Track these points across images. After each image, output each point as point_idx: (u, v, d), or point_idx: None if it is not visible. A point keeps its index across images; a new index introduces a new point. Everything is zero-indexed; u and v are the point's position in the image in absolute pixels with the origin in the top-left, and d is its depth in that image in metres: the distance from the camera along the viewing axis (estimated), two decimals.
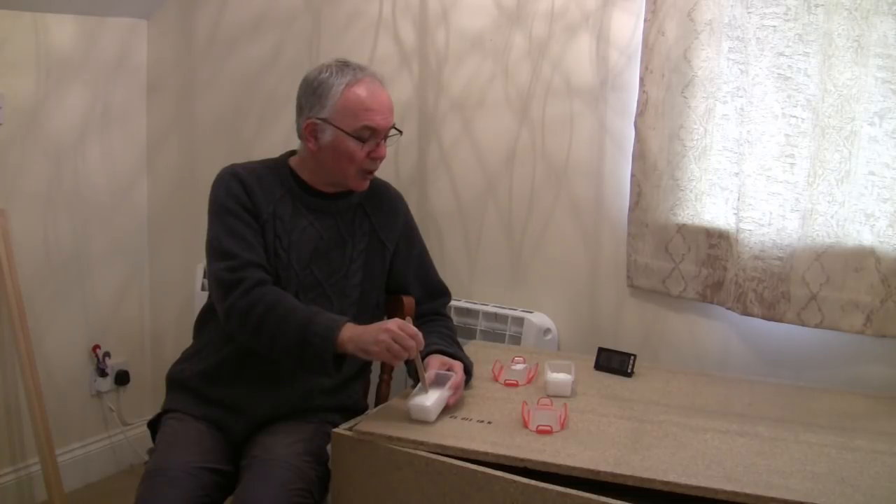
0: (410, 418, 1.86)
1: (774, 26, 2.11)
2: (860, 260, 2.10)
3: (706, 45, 2.24)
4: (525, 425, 1.84)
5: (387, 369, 2.28)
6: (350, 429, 1.85)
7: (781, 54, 2.12)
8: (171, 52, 3.11)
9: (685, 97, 2.28)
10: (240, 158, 2.25)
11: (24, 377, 2.72)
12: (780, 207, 2.17)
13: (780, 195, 2.17)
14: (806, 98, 2.11)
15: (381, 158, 2.10)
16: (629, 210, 2.40)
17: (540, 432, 1.81)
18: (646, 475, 1.63)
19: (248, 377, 2.07)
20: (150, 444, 2.11)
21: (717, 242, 2.30)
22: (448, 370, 1.98)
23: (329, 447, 1.89)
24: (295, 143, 2.18)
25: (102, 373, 3.09)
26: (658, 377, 2.19)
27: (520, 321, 2.52)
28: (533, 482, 1.63)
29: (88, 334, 3.07)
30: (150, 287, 3.27)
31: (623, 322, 2.49)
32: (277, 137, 2.85)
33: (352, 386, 2.18)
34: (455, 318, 2.51)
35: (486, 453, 1.72)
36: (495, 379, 2.13)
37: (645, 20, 2.31)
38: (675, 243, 2.35)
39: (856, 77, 2.04)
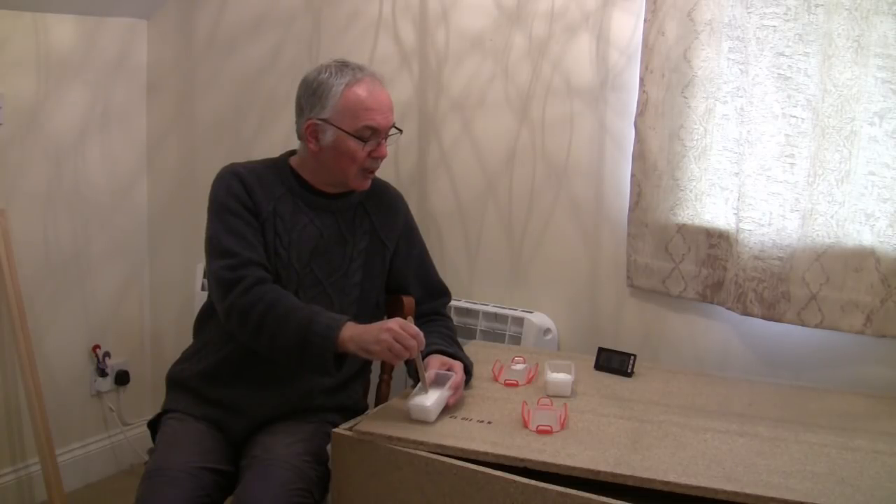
0: (410, 418, 1.86)
1: (774, 26, 2.11)
2: (860, 260, 2.10)
3: (706, 45, 2.24)
4: (525, 425, 1.84)
5: (387, 369, 2.28)
6: (350, 429, 1.85)
7: (781, 54, 2.12)
8: (171, 52, 3.11)
9: (685, 97, 2.28)
10: (240, 158, 2.25)
11: (24, 377, 2.72)
12: (780, 207, 2.17)
13: (780, 195, 2.17)
14: (806, 98, 2.11)
15: (382, 158, 2.10)
16: (629, 210, 2.40)
17: (540, 432, 1.81)
18: (646, 475, 1.63)
19: (249, 377, 2.07)
20: (150, 444, 2.11)
21: (717, 242, 2.30)
22: (448, 370, 1.98)
23: (329, 447, 1.89)
24: (295, 143, 2.18)
25: (102, 373, 3.09)
26: (658, 377, 2.19)
27: (520, 321, 2.52)
28: (533, 482, 1.63)
29: (88, 334, 3.07)
30: (150, 287, 3.27)
31: (623, 322, 2.49)
32: (277, 137, 2.85)
33: (352, 386, 2.18)
34: (455, 318, 2.51)
35: (486, 453, 1.72)
36: (495, 379, 2.13)
37: (645, 20, 2.31)
38: (675, 243, 2.35)
39: (856, 77, 2.04)
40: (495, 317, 2.57)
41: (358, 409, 2.16)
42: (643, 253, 2.39)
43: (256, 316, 1.94)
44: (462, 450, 1.73)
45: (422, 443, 1.76)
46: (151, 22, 3.13)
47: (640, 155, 2.35)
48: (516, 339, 2.52)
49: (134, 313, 3.23)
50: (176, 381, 2.17)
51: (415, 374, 1.97)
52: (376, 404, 2.23)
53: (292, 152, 2.19)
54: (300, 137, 2.11)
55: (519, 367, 2.17)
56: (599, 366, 2.24)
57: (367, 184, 2.13)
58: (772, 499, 1.56)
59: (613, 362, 2.23)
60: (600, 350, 2.26)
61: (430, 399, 1.88)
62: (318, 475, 1.95)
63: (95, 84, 2.98)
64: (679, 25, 2.25)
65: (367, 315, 2.12)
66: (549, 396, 2.00)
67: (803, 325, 2.17)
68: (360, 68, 2.08)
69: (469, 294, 2.67)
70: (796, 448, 1.77)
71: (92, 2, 2.88)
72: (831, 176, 2.10)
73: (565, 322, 2.56)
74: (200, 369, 2.13)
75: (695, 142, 2.28)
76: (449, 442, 1.76)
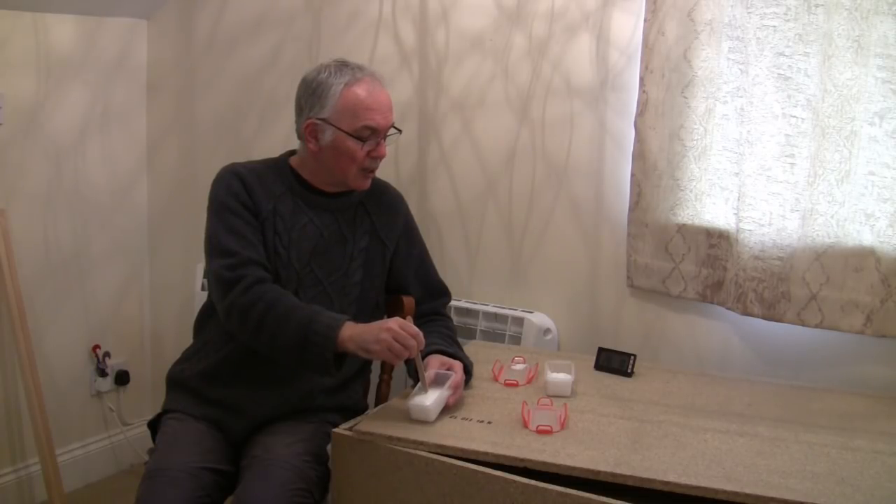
0: (410, 418, 1.86)
1: (774, 26, 2.11)
2: (860, 260, 2.10)
3: (706, 45, 2.24)
4: (525, 425, 1.84)
5: (387, 369, 2.28)
6: (350, 429, 1.85)
7: (781, 54, 2.12)
8: (171, 52, 3.11)
9: (685, 97, 2.28)
10: (240, 158, 2.25)
11: (24, 377, 2.72)
12: (780, 207, 2.17)
13: (780, 195, 2.17)
14: (806, 98, 2.11)
15: (381, 157, 2.10)
16: (629, 210, 2.40)
17: (540, 432, 1.81)
18: (646, 475, 1.63)
19: (249, 377, 2.07)
20: (150, 444, 2.11)
21: (717, 242, 2.30)
22: (448, 370, 1.98)
23: (329, 447, 1.89)
24: (295, 143, 2.18)
25: (102, 373, 3.09)
26: (658, 377, 2.19)
27: (520, 321, 2.52)
28: (533, 482, 1.63)
29: (88, 334, 3.07)
30: (150, 287, 3.27)
31: (623, 322, 2.49)
32: (277, 137, 2.85)
33: (352, 386, 2.18)
34: (455, 318, 2.51)
35: (486, 453, 1.72)
36: (495, 379, 2.13)
37: (645, 20, 2.31)
38: (675, 243, 2.35)
39: (856, 77, 2.04)
40: (495, 317, 2.57)
41: (358, 409, 2.16)
42: (643, 253, 2.39)
43: (256, 315, 1.94)
44: (462, 450, 1.73)
45: (422, 443, 1.76)
46: (151, 22, 3.13)
47: (640, 155, 2.35)
48: (516, 339, 2.52)
49: (134, 313, 3.23)
50: (176, 381, 2.17)
51: (414, 374, 1.97)
52: (376, 404, 2.23)
53: (292, 152, 2.19)
54: (300, 137, 2.11)
55: (519, 367, 2.17)
56: (599, 366, 2.24)
57: (367, 183, 2.13)
58: (772, 499, 1.56)
59: (613, 362, 2.23)
60: (600, 350, 2.26)
61: (430, 399, 1.87)
62: (318, 475, 1.95)
63: (95, 84, 2.98)
64: (679, 25, 2.25)
65: (367, 315, 2.12)
66: (549, 396, 2.00)
67: (803, 325, 2.17)
68: (360, 68, 2.08)
69: (469, 294, 2.67)
70: (796, 448, 1.77)
71: (92, 2, 2.88)
72: (831, 176, 2.10)
73: (565, 322, 2.56)
74: (200, 369, 2.12)
75: (695, 142, 2.28)
76: (449, 442, 1.76)
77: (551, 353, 2.44)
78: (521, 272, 2.62)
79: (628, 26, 2.39)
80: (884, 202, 2.08)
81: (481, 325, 2.58)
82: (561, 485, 1.62)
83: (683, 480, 1.61)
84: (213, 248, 2.03)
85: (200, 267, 2.82)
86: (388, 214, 2.23)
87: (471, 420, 1.88)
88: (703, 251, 2.32)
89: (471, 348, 2.34)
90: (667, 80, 2.29)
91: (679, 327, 2.42)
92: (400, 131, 2.15)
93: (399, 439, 1.78)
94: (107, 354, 3.10)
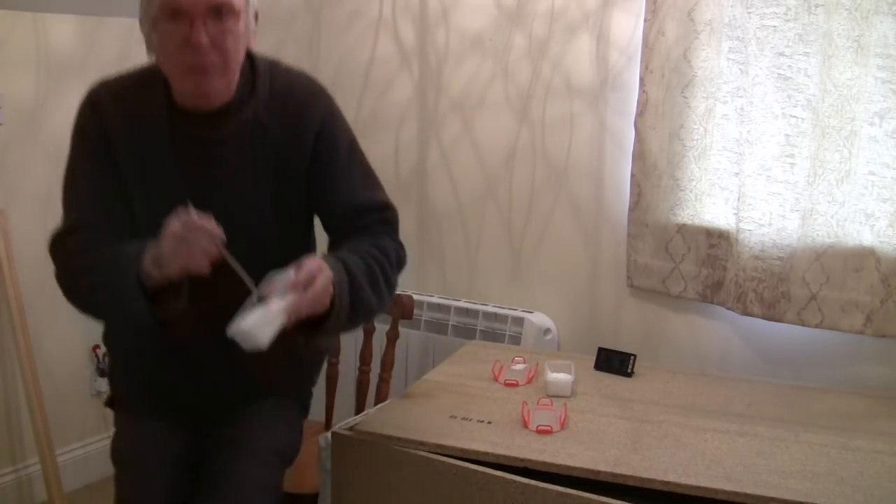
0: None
1: (774, 26, 2.11)
2: (860, 260, 2.11)
3: (706, 45, 2.24)
4: (525, 425, 1.84)
5: (386, 367, 2.27)
6: (350, 429, 1.85)
7: (781, 54, 2.12)
8: None
9: (685, 97, 2.28)
10: None
11: (24, 377, 2.72)
12: (780, 207, 2.17)
13: (780, 195, 2.17)
14: (806, 98, 2.11)
15: (199, 46, 1.57)
16: (629, 210, 2.40)
17: (540, 432, 1.81)
18: (646, 475, 1.63)
19: (185, 377, 1.79)
20: None
21: (717, 242, 2.30)
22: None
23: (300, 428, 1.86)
24: None
25: (102, 373, 3.08)
26: (658, 377, 2.19)
27: (520, 321, 2.52)
28: (533, 482, 1.63)
29: (88, 334, 3.06)
30: None
31: (623, 322, 2.49)
32: None
33: (293, 365, 1.87)
34: (455, 318, 2.51)
35: (486, 453, 1.72)
36: (495, 379, 2.13)
37: (645, 20, 2.31)
38: (675, 243, 2.35)
39: (856, 77, 2.04)
40: (495, 317, 2.57)
41: (305, 392, 1.94)
42: (643, 253, 2.39)
43: (74, 272, 1.62)
44: (462, 450, 1.73)
45: (422, 443, 1.76)
46: None
47: (640, 155, 2.35)
48: (516, 339, 2.52)
49: None
50: (118, 404, 1.94)
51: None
52: (376, 404, 2.23)
53: None
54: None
55: (519, 367, 2.17)
56: (599, 366, 2.24)
57: (206, 87, 1.62)
58: (772, 499, 1.56)
59: (613, 362, 2.23)
60: (600, 350, 2.26)
61: (254, 315, 1.44)
62: (290, 439, 1.84)
63: None
64: (679, 25, 2.25)
65: None
66: (549, 396, 2.00)
67: (803, 325, 2.17)
68: None
69: (469, 294, 2.67)
70: (796, 448, 1.77)
71: (92, 2, 2.88)
72: (831, 176, 2.10)
73: (565, 322, 2.56)
74: (128, 383, 1.89)
75: (695, 142, 2.28)
76: (449, 442, 1.76)
77: (551, 353, 2.44)
78: (521, 272, 2.62)
79: (628, 26, 2.39)
80: (884, 202, 2.08)
81: (481, 325, 2.58)
82: (561, 485, 1.62)
83: (683, 480, 1.61)
84: (62, 204, 1.71)
85: None
86: (295, 126, 1.69)
87: (471, 420, 1.88)
88: (703, 251, 2.32)
89: (471, 348, 2.34)
90: (667, 80, 2.29)
91: (679, 327, 2.42)
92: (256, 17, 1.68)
93: (399, 439, 1.78)
94: (107, 354, 3.09)
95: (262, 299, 1.47)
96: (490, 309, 2.58)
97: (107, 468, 3.13)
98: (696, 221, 2.33)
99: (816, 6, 2.06)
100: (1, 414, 2.79)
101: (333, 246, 1.74)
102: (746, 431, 1.85)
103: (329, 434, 1.87)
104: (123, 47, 3.07)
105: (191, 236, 1.46)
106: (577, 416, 1.90)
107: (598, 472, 1.65)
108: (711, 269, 2.31)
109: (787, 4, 2.10)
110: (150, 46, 1.66)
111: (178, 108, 1.67)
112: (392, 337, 2.23)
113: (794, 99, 2.12)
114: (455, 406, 1.93)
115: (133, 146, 1.67)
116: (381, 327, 2.25)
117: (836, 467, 1.69)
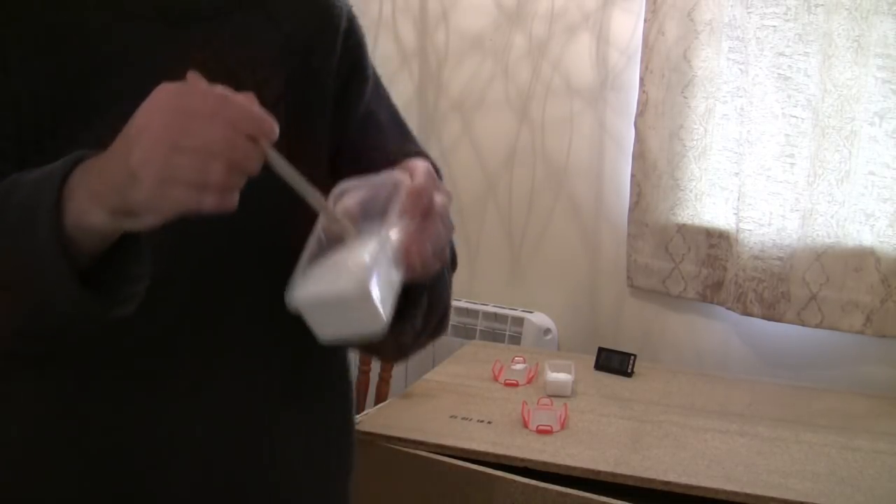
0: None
1: (774, 26, 2.11)
2: (860, 260, 2.11)
3: (706, 45, 2.24)
4: (525, 425, 1.84)
5: (386, 367, 2.27)
6: None
7: (781, 54, 2.12)
8: None
9: (685, 97, 2.28)
10: None
11: None
12: (780, 207, 2.17)
13: (780, 195, 2.17)
14: (806, 98, 2.11)
15: None
16: (629, 210, 2.40)
17: (540, 432, 1.81)
18: (646, 475, 1.63)
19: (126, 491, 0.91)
20: None
21: (717, 242, 2.30)
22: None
23: None
24: None
25: None
26: (658, 377, 2.19)
27: (520, 321, 2.52)
28: (533, 482, 1.63)
29: None
30: None
31: (623, 322, 2.49)
32: None
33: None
34: (455, 318, 2.50)
35: (487, 453, 1.72)
36: (495, 379, 2.13)
37: (645, 20, 2.31)
38: (675, 243, 2.35)
39: (856, 77, 2.04)
40: (495, 317, 2.57)
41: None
42: (643, 253, 2.39)
43: None
44: (462, 450, 1.73)
45: (422, 443, 1.76)
46: None
47: (640, 155, 2.35)
48: (516, 339, 2.52)
49: None
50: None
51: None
52: (376, 404, 2.23)
53: None
54: None
55: (519, 367, 2.17)
56: (599, 366, 2.24)
57: None
58: (772, 499, 1.56)
59: (613, 362, 2.23)
60: (600, 350, 2.26)
61: (360, 259, 0.74)
62: None
63: None
64: (679, 25, 2.25)
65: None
66: (549, 396, 2.00)
67: (803, 325, 2.17)
68: None
69: (469, 294, 2.67)
70: (796, 448, 1.77)
71: None
72: (831, 176, 2.10)
73: (565, 322, 2.56)
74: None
75: (695, 142, 2.28)
76: (449, 442, 1.76)
77: (551, 353, 2.44)
78: (521, 272, 2.62)
79: (628, 26, 2.39)
80: (884, 202, 2.08)
81: (481, 325, 2.58)
82: (561, 485, 1.62)
83: (683, 480, 1.61)
84: None
85: None
86: (311, 14, 1.05)
87: (471, 420, 1.88)
88: (703, 251, 2.32)
89: (471, 348, 2.34)
90: (667, 80, 2.29)
91: (679, 327, 2.41)
92: None
93: (399, 439, 1.78)
94: None
95: (332, 241, 0.78)
96: (490, 309, 2.58)
97: None
98: (696, 221, 2.33)
99: (816, 6, 2.06)
100: None
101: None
102: (746, 431, 1.85)
103: None
104: None
105: (208, 128, 0.69)
106: (577, 416, 1.90)
107: (598, 472, 1.65)
108: (711, 269, 2.31)
109: (787, 4, 2.10)
110: None
111: None
112: None
113: (794, 99, 2.12)
114: (455, 406, 1.93)
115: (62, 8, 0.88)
116: None
117: (836, 467, 1.69)
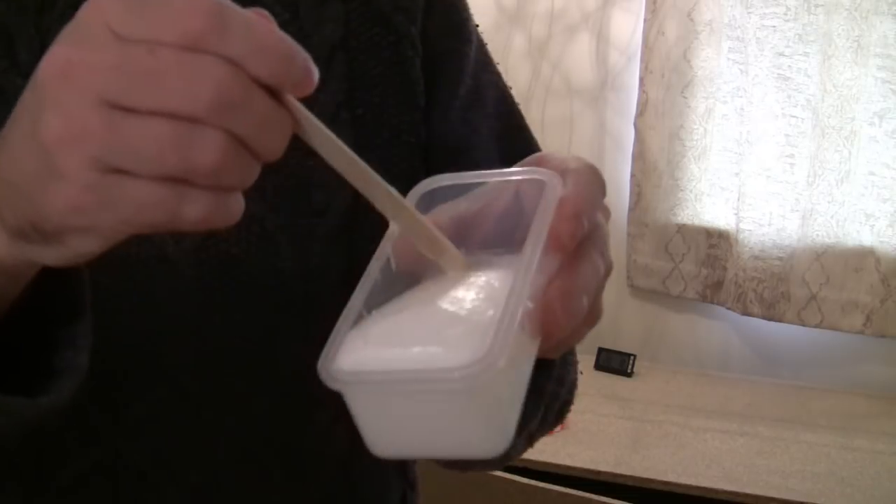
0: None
1: (774, 26, 2.11)
2: (860, 260, 2.11)
3: (706, 45, 2.24)
4: None
5: None
6: None
7: (781, 54, 2.12)
8: None
9: (685, 97, 2.28)
10: None
11: None
12: (780, 207, 2.17)
13: (780, 195, 2.17)
14: (806, 98, 2.11)
15: None
16: (629, 210, 2.39)
17: None
18: (646, 475, 1.63)
19: None
20: None
21: (717, 242, 2.30)
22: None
23: None
24: None
25: None
26: (658, 377, 2.19)
27: None
28: (533, 482, 1.63)
29: None
30: None
31: (623, 322, 2.49)
32: None
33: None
34: None
35: None
36: None
37: (645, 20, 2.31)
38: (675, 243, 2.35)
39: (856, 77, 2.05)
40: None
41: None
42: (643, 253, 2.39)
43: None
44: None
45: None
46: None
47: (640, 155, 2.35)
48: None
49: None
50: None
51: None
52: None
53: None
54: None
55: None
56: (599, 366, 2.24)
57: None
58: (772, 499, 1.56)
59: (613, 362, 2.23)
60: (600, 350, 2.26)
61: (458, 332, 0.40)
62: None
63: None
64: (679, 25, 2.25)
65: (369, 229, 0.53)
66: None
67: (803, 325, 2.17)
68: None
69: None
70: (796, 448, 1.77)
71: None
72: (831, 176, 2.10)
73: None
74: None
75: (695, 142, 2.28)
76: None
77: None
78: None
79: (628, 26, 2.39)
80: (884, 202, 2.08)
81: None
82: (561, 485, 1.62)
83: (683, 480, 1.61)
84: None
85: None
86: None
87: None
88: (703, 251, 2.32)
89: None
90: (667, 80, 2.29)
91: (679, 327, 2.41)
92: None
93: None
94: None
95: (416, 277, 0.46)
96: None
97: None
98: (696, 221, 2.33)
99: (816, 6, 2.06)
100: None
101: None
102: (746, 431, 1.85)
103: None
104: None
105: (189, 68, 0.35)
106: (577, 416, 1.90)
107: (599, 472, 1.65)
108: (711, 269, 2.31)
109: (787, 4, 2.10)
110: None
111: None
112: None
113: (794, 99, 2.12)
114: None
115: None
116: None
117: (836, 467, 1.69)
